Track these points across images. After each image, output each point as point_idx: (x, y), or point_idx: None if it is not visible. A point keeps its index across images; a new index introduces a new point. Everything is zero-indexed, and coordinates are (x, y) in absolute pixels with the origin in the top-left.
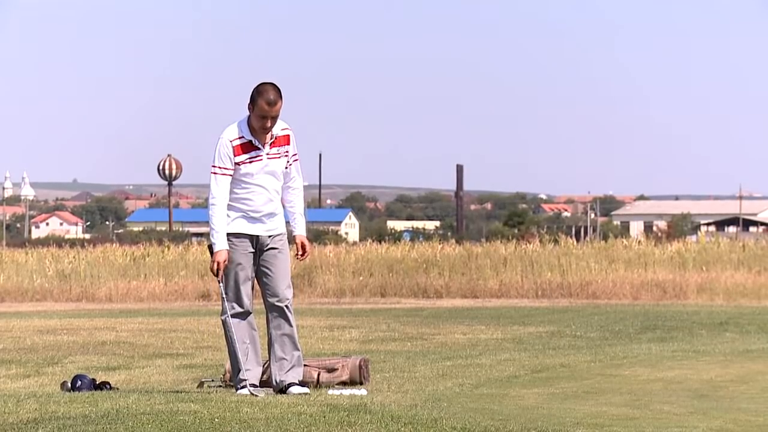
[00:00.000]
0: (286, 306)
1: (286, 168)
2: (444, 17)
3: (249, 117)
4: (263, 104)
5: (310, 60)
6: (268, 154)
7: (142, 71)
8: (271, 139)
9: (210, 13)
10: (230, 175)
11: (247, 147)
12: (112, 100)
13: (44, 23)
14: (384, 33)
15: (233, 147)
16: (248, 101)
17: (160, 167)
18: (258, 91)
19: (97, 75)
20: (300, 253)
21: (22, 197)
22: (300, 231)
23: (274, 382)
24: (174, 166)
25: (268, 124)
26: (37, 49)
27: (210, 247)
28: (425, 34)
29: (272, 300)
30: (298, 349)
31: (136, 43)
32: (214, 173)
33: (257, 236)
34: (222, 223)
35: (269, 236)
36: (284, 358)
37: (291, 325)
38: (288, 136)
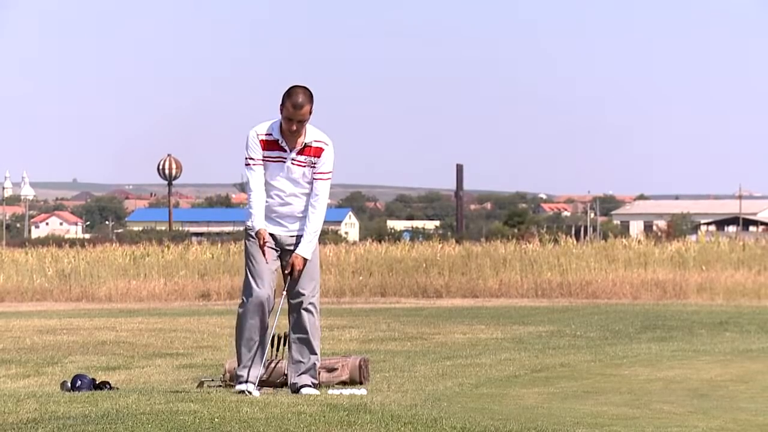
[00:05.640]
0: (306, 308)
1: (311, 180)
2: (444, 17)
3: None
4: (289, 106)
5: (310, 60)
6: (293, 160)
7: (142, 70)
8: (301, 146)
9: (210, 12)
10: (261, 164)
11: (272, 145)
12: (112, 100)
13: (44, 22)
14: (384, 33)
15: (259, 140)
16: (279, 103)
17: (160, 167)
18: (287, 94)
19: (97, 74)
20: (287, 270)
21: (22, 197)
22: (300, 250)
23: (289, 383)
24: (174, 166)
25: (294, 128)
26: (36, 48)
27: (246, 231)
28: (425, 34)
29: (293, 301)
30: (315, 353)
31: (136, 42)
32: (247, 165)
33: (278, 235)
34: (258, 205)
35: (290, 236)
36: (301, 361)
37: (310, 328)
38: (321, 149)
